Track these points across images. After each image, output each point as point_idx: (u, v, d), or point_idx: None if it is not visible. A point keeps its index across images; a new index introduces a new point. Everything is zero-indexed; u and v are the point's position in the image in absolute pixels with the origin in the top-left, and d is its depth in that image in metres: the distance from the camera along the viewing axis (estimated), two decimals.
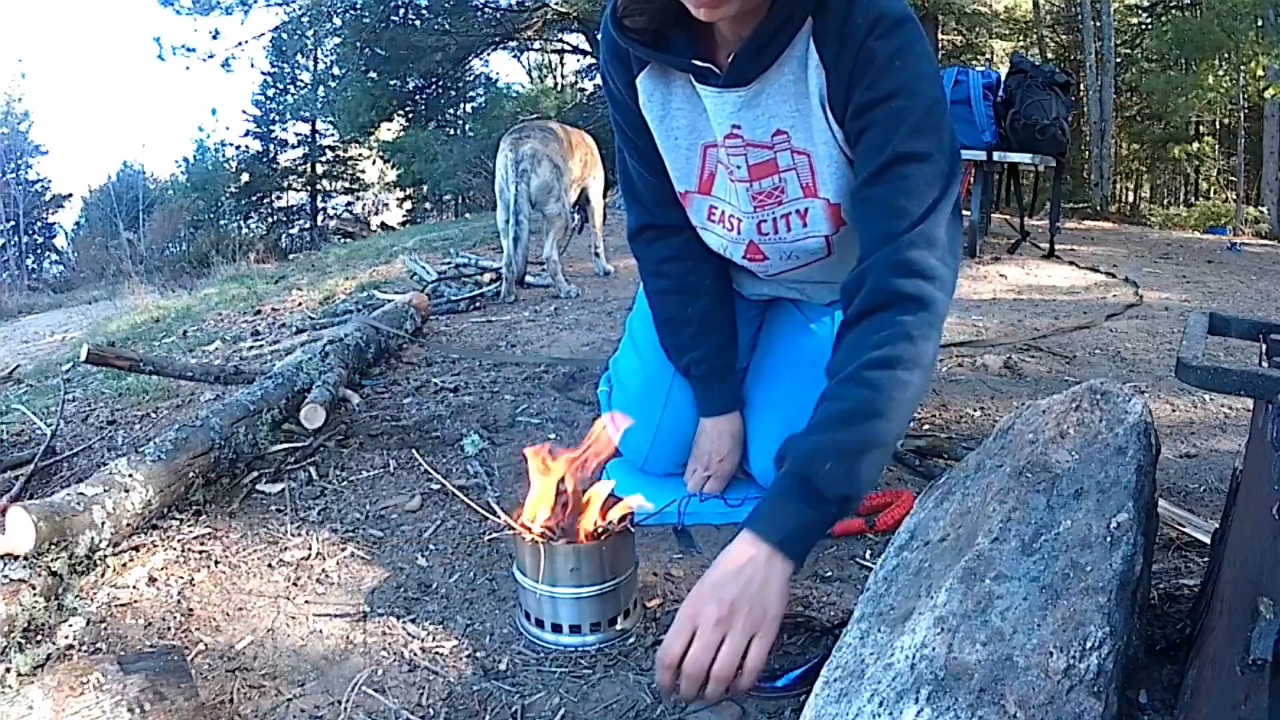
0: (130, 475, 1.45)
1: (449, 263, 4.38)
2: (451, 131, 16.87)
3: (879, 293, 1.06)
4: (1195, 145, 13.57)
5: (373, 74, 14.06)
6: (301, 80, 21.04)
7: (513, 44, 14.93)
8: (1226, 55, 10.61)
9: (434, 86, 15.72)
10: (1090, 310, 3.40)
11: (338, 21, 14.01)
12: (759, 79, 1.17)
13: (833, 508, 1.00)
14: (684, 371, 1.51)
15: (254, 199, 22.27)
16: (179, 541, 1.48)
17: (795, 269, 1.40)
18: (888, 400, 1.01)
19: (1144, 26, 14.45)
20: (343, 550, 1.46)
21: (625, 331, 1.71)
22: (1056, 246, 4.88)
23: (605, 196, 4.09)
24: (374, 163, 20.85)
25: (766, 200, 1.28)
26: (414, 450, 1.81)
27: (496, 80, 18.16)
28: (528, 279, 3.72)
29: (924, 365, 1.04)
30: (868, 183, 1.11)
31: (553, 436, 1.93)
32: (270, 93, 21.94)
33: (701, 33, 1.18)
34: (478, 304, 3.47)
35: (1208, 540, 1.28)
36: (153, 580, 1.35)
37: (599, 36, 1.34)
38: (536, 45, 16.00)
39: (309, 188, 22.54)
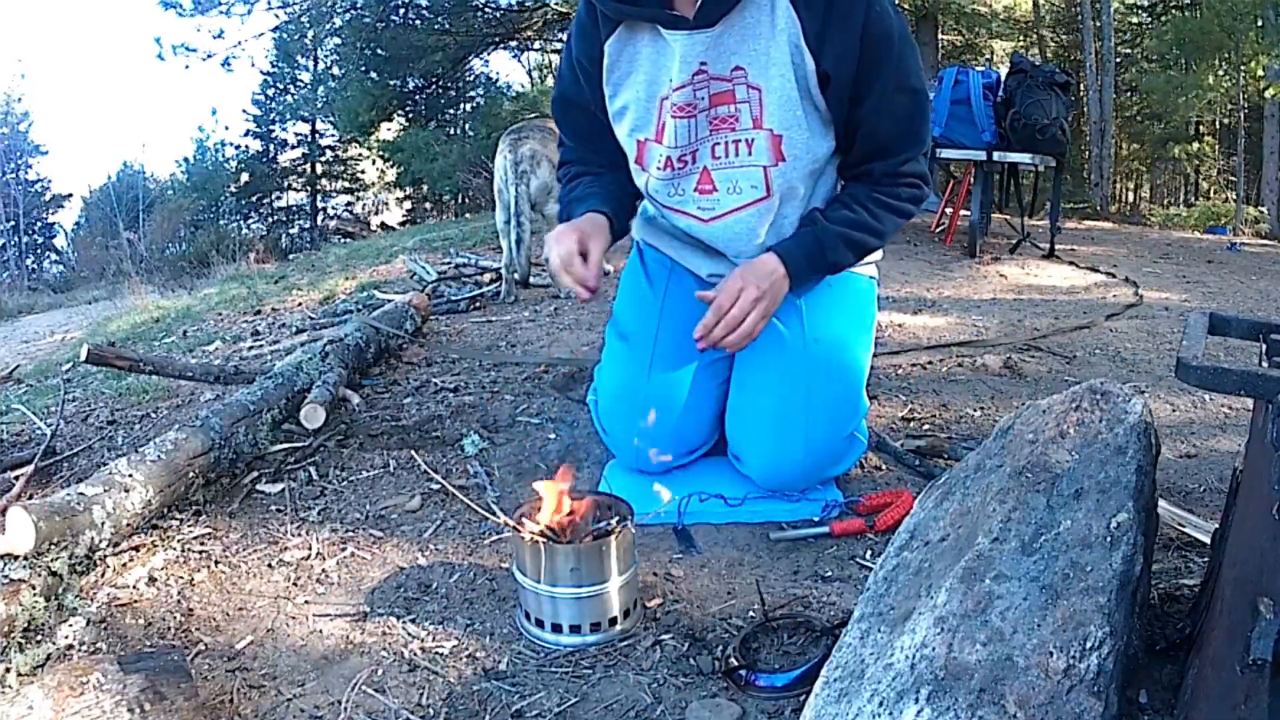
0: (130, 475, 1.45)
1: (449, 263, 4.37)
2: (451, 131, 16.86)
3: (894, 178, 1.49)
4: (1195, 145, 13.57)
5: (373, 74, 14.04)
6: (301, 80, 21.04)
7: (513, 44, 14.92)
8: (1226, 55, 10.60)
9: (434, 86, 15.70)
10: (1090, 310, 3.40)
11: (338, 21, 13.99)
12: (722, 20, 1.37)
13: (827, 271, 1.52)
14: (562, 213, 1.59)
15: (254, 199, 22.26)
16: (179, 541, 1.48)
17: (737, 210, 1.51)
18: (884, 231, 1.50)
19: (1144, 26, 14.44)
20: (343, 550, 1.46)
21: (605, 349, 1.75)
22: (1056, 246, 4.88)
23: None
24: (374, 163, 20.83)
25: (721, 125, 1.46)
26: (413, 450, 1.81)
27: (496, 80, 18.14)
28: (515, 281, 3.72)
29: (904, 215, 1.52)
30: (872, 112, 1.41)
31: (553, 436, 1.93)
32: (270, 93, 21.94)
33: None
34: (478, 304, 3.47)
35: (1208, 540, 1.28)
36: (153, 580, 1.35)
37: (574, 17, 1.52)
38: (536, 45, 15.97)
39: (309, 188, 22.52)
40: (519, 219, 3.28)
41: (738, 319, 1.42)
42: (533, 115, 13.39)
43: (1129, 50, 14.20)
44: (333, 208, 22.58)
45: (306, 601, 1.31)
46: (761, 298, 1.42)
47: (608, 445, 1.74)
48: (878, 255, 1.71)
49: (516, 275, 3.50)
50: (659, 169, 1.51)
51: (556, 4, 12.48)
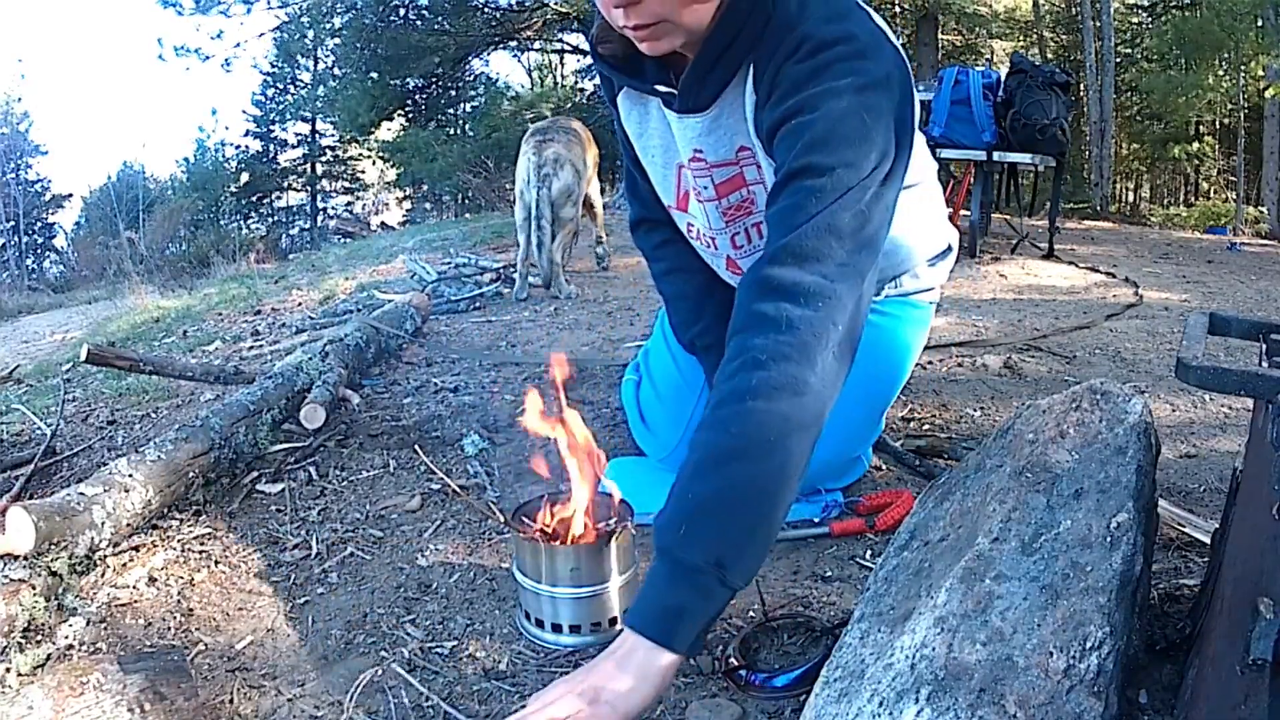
0: (130, 475, 1.45)
1: (449, 263, 4.38)
2: (451, 131, 16.88)
3: (737, 316, 0.96)
4: (1195, 145, 13.56)
5: (373, 74, 14.06)
6: (301, 80, 21.06)
7: (513, 44, 14.94)
8: (1226, 55, 10.61)
9: (434, 86, 15.73)
10: (1090, 310, 3.40)
11: (338, 21, 14.01)
12: (716, 104, 1.17)
13: (709, 578, 0.86)
14: (689, 346, 1.52)
15: (254, 199, 22.26)
16: (179, 541, 1.48)
17: None
18: (739, 438, 0.87)
19: (1144, 26, 14.45)
20: (343, 550, 1.46)
21: (657, 325, 1.71)
22: (1056, 246, 4.88)
23: (604, 195, 4.15)
24: (374, 163, 20.84)
25: (736, 213, 1.29)
26: (414, 448, 1.81)
27: (496, 80, 18.17)
28: (529, 279, 3.73)
29: (783, 387, 0.88)
30: (768, 204, 1.04)
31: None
32: (270, 93, 21.94)
33: (671, 60, 1.18)
34: (478, 304, 3.47)
35: (1208, 540, 1.28)
36: (153, 580, 1.35)
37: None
38: (536, 45, 16.00)
39: (309, 188, 22.53)
40: (539, 221, 3.33)
41: None
42: (530, 115, 13.44)
43: (1129, 50, 14.20)
44: (333, 208, 22.57)
45: (306, 601, 1.31)
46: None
47: (636, 434, 1.70)
48: (942, 277, 1.48)
49: (537, 277, 3.53)
50: (688, 234, 1.42)
51: (556, 4, 12.49)
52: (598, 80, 1.45)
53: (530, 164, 3.37)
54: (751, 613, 1.24)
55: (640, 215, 1.53)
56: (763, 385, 0.88)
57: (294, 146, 22.68)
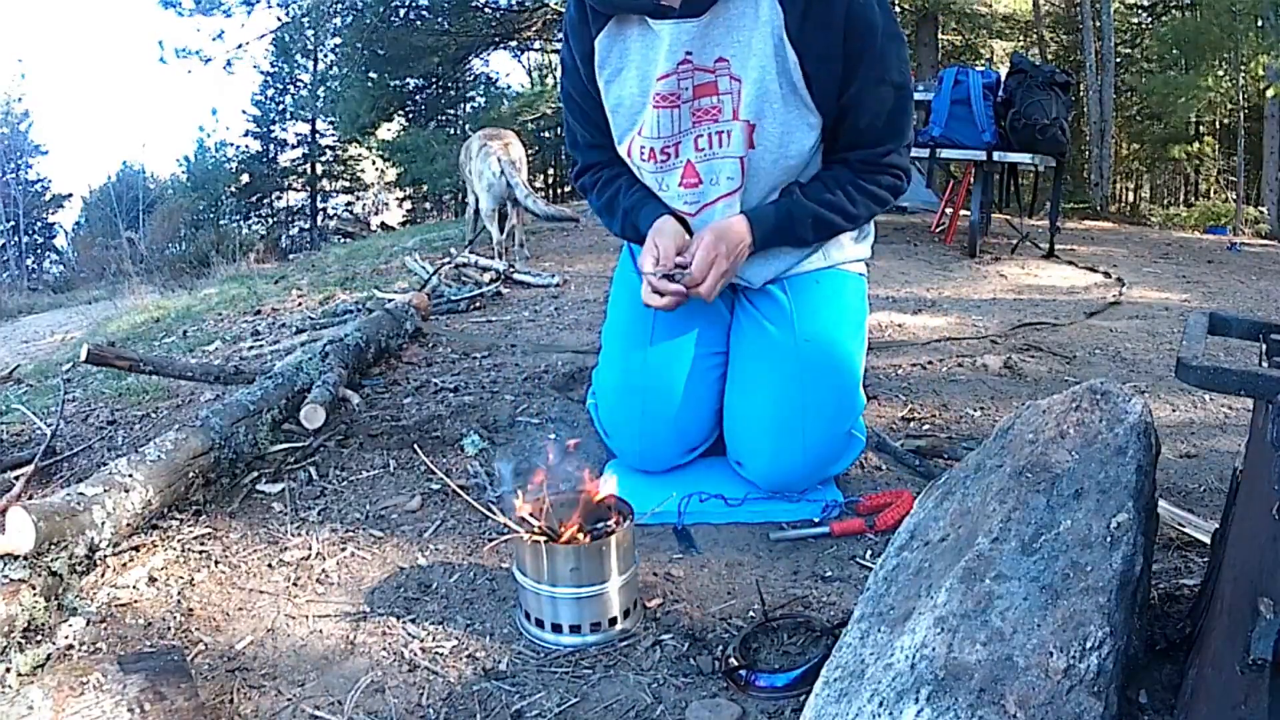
0: (130, 475, 1.45)
1: (449, 262, 4.38)
2: (451, 131, 16.87)
3: (874, 168, 1.51)
4: (1195, 145, 13.56)
5: (373, 74, 14.07)
6: (301, 80, 21.05)
7: (513, 44, 14.95)
8: (1226, 55, 10.60)
9: (434, 86, 15.75)
10: (1090, 310, 3.40)
11: (338, 22, 14.02)
12: (710, 10, 1.39)
13: (790, 244, 1.55)
14: (624, 224, 1.61)
15: (254, 199, 22.24)
16: (179, 541, 1.48)
17: (717, 200, 1.52)
18: (856, 216, 1.53)
19: (1144, 26, 14.45)
20: (343, 550, 1.46)
21: (602, 355, 1.76)
22: (1056, 246, 4.88)
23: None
24: (374, 163, 20.82)
25: (704, 117, 1.47)
26: (414, 448, 1.81)
27: (496, 80, 18.16)
28: (528, 279, 3.80)
29: (875, 214, 1.57)
30: (853, 102, 1.43)
31: (553, 436, 1.93)
32: (270, 93, 21.91)
33: None
34: (478, 304, 3.48)
35: (1208, 540, 1.28)
36: (153, 580, 1.35)
37: (565, 16, 1.54)
38: (536, 45, 16.00)
39: (309, 188, 22.50)
40: (520, 195, 4.13)
41: (697, 282, 1.47)
42: (534, 115, 13.44)
43: (1129, 50, 14.20)
44: (333, 208, 22.54)
45: (307, 601, 1.31)
46: (728, 270, 1.48)
47: (610, 447, 1.74)
48: (866, 252, 1.70)
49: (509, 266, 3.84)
50: (643, 160, 1.52)
51: (556, 4, 12.50)
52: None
53: (501, 161, 4.12)
54: (751, 613, 1.24)
55: (585, 163, 1.68)
56: (874, 199, 1.53)
57: (294, 146, 22.64)
